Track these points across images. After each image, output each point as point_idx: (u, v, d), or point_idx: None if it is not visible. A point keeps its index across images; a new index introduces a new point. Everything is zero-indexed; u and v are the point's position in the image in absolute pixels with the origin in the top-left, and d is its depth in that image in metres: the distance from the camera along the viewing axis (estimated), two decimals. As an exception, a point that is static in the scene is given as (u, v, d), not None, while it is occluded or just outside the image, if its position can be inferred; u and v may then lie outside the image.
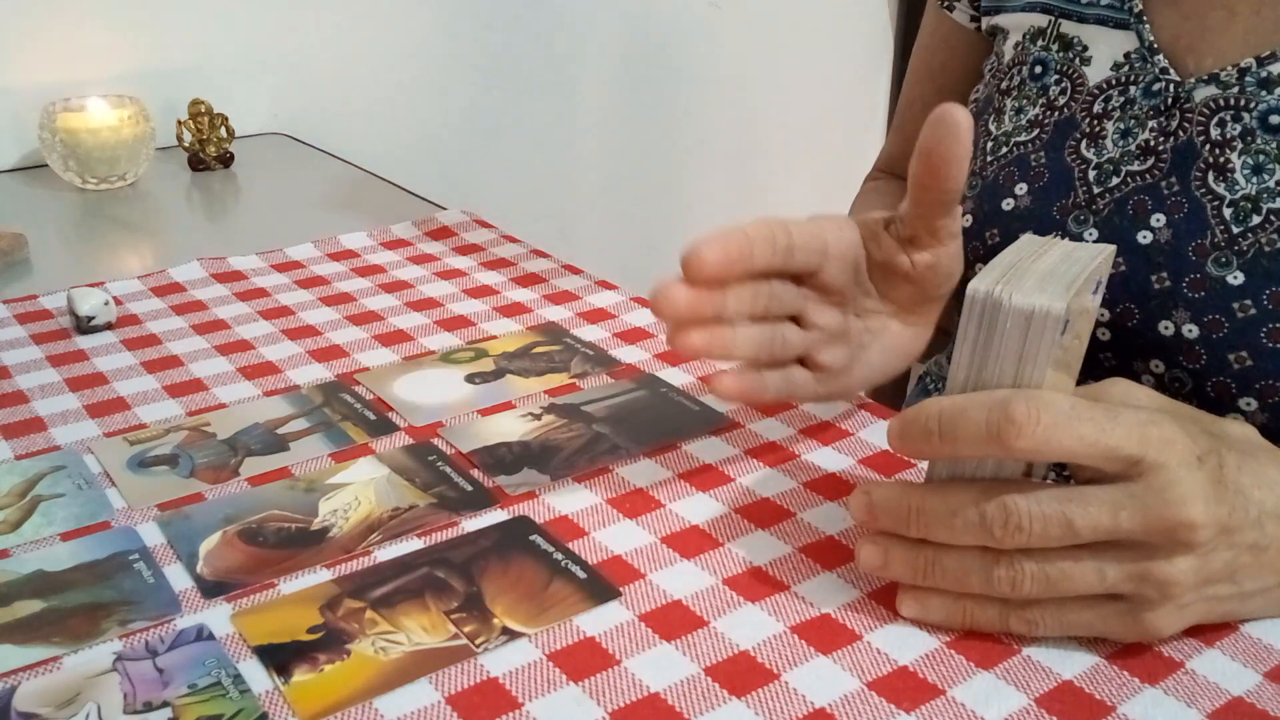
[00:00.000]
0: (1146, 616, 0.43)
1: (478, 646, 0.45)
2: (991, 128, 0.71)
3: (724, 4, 1.63)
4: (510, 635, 0.46)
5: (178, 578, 0.50)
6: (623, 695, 0.43)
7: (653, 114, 1.64)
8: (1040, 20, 0.70)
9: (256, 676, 0.44)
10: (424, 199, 1.04)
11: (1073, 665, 0.44)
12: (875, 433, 0.61)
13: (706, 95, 1.68)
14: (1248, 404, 0.60)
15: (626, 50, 1.58)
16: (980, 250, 0.69)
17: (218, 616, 0.47)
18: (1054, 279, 0.43)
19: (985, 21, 0.76)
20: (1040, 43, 0.69)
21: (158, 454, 0.59)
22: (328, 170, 1.16)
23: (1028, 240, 0.47)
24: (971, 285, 0.43)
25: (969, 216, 0.69)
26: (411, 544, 0.52)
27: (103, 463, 0.59)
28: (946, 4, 0.82)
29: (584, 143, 1.56)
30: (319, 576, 0.50)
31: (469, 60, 1.43)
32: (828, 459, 0.59)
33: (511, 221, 0.95)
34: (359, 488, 0.56)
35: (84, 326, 0.74)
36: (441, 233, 0.93)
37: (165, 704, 0.42)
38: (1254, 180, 0.60)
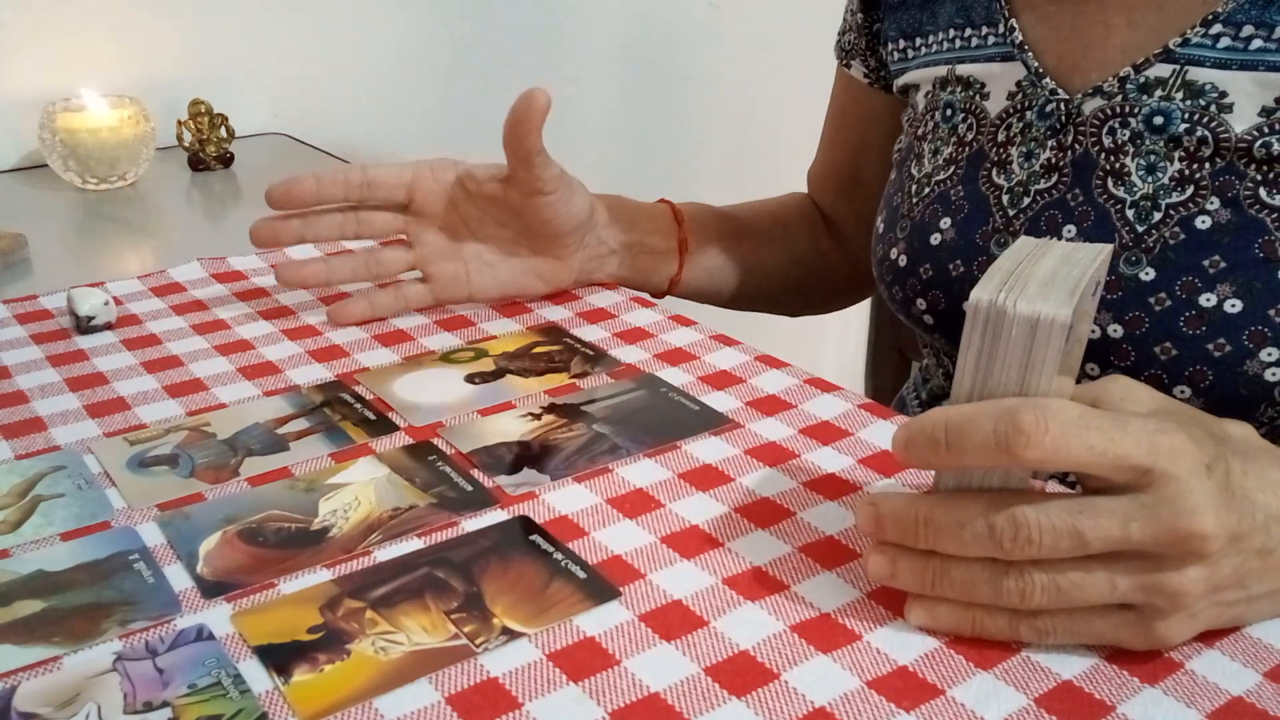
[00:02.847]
0: (1157, 626, 0.43)
1: (478, 646, 0.45)
2: (914, 172, 0.75)
3: (724, 4, 1.63)
4: (510, 635, 0.46)
5: (178, 578, 0.50)
6: (623, 695, 0.43)
7: (653, 114, 1.64)
8: (941, 71, 0.75)
9: (256, 676, 0.44)
10: (424, 199, 1.04)
11: (1072, 665, 0.44)
12: (875, 433, 0.61)
13: (707, 95, 1.68)
14: (1182, 392, 0.62)
15: (626, 50, 1.58)
16: (917, 286, 0.73)
17: (218, 616, 0.47)
18: (1056, 284, 0.43)
19: (896, 83, 0.81)
20: (947, 89, 0.74)
21: (158, 454, 0.59)
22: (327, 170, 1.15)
23: (1024, 243, 0.46)
24: (974, 294, 0.43)
25: (903, 256, 0.73)
26: (411, 544, 0.52)
27: (103, 463, 0.59)
28: (845, 62, 0.89)
29: (584, 142, 1.56)
30: (319, 576, 0.50)
31: (469, 60, 1.43)
32: (828, 459, 0.59)
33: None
34: (359, 488, 0.56)
35: (84, 326, 0.74)
36: (441, 233, 0.93)
37: (165, 704, 0.42)
38: (1149, 179, 0.63)
